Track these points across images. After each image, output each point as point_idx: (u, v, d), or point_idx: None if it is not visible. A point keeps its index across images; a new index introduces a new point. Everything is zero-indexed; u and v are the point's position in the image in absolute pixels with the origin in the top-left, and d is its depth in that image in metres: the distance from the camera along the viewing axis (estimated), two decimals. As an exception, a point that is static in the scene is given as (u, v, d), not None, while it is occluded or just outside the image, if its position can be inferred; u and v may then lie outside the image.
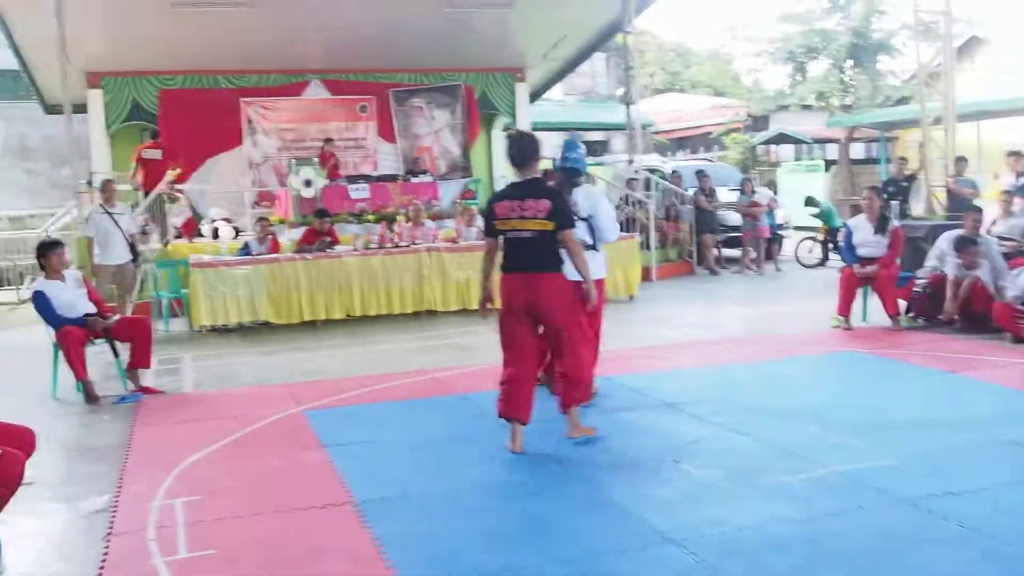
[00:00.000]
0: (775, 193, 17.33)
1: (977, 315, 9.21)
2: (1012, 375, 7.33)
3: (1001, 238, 10.30)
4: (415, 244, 12.20)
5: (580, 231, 6.20)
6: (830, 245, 16.30)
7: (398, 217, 13.59)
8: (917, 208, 16.00)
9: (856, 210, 10.15)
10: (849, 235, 9.98)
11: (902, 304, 9.79)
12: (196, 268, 11.07)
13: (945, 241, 9.60)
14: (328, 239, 12.06)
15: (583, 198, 6.58)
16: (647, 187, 16.64)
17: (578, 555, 4.07)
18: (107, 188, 11.22)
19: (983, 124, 19.75)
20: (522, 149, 5.72)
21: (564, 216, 5.60)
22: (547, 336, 5.81)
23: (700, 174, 17.15)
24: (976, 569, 3.83)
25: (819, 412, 6.28)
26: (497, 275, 5.82)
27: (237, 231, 13.98)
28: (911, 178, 15.34)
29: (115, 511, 4.84)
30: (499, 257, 5.80)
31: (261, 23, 14.76)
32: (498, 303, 5.86)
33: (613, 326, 8.71)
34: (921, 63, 16.61)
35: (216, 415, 6.93)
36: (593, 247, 6.54)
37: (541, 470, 5.26)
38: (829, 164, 29.80)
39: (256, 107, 17.20)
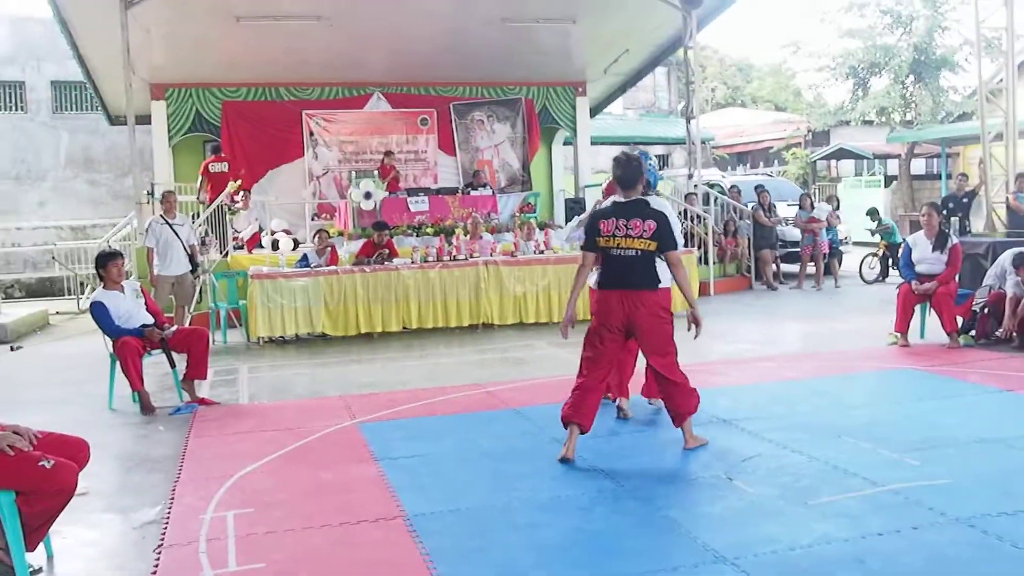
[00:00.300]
0: (837, 208, 17.13)
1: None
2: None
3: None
4: (473, 257, 12.27)
5: None
6: (890, 261, 16.10)
7: (456, 230, 13.69)
8: (977, 225, 15.75)
9: (916, 226, 10.03)
10: (908, 251, 9.86)
11: (960, 321, 9.65)
12: (255, 279, 11.24)
13: (1006, 258, 9.45)
14: (386, 251, 12.17)
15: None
16: (706, 202, 16.57)
17: (629, 572, 4.06)
18: (167, 199, 11.43)
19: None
20: (631, 170, 5.85)
21: (669, 237, 5.78)
22: (641, 350, 5.97)
23: (759, 189, 17.02)
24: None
25: (874, 430, 6.22)
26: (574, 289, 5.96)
27: (296, 243, 14.19)
28: (971, 194, 15.11)
29: (167, 522, 4.91)
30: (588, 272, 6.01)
31: (325, 37, 15.03)
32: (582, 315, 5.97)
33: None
34: (982, 79, 16.35)
35: (270, 427, 7.02)
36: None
37: (593, 486, 5.26)
38: (889, 180, 29.42)
39: (318, 119, 17.48)
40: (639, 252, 5.71)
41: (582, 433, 5.76)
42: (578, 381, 5.82)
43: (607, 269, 5.84)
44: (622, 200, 5.89)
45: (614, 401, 6.99)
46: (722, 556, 4.15)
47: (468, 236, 13.12)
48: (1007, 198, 14.62)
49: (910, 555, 4.13)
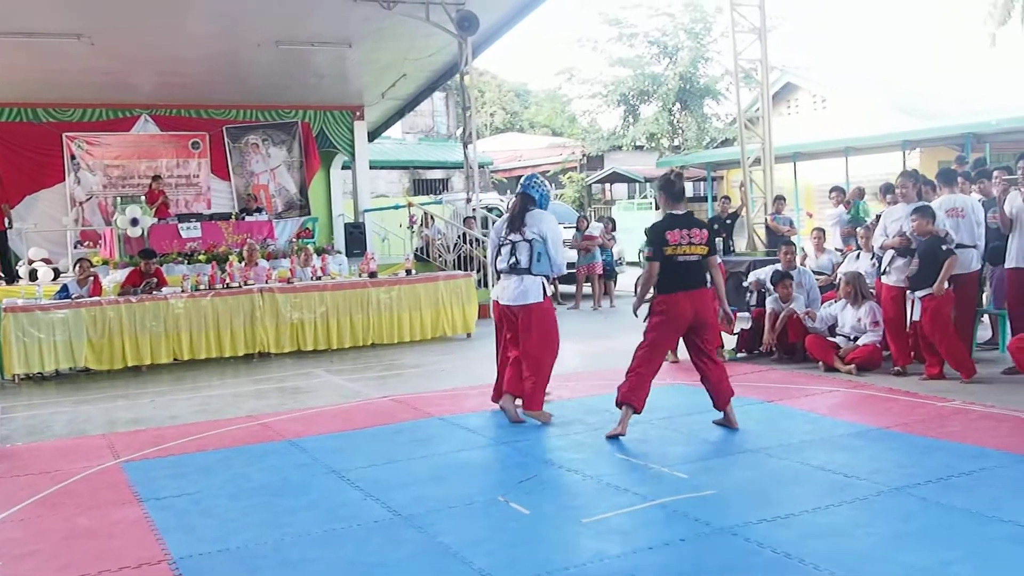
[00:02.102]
0: (613, 228, 17.70)
1: (792, 346, 9.62)
2: (822, 403, 7.68)
3: (816, 272, 10.81)
4: (248, 284, 11.89)
5: (522, 254, 7.07)
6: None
7: (231, 257, 13.27)
8: (740, 244, 16.63)
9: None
10: (676, 271, 10.26)
11: (725, 337, 10.12)
12: (8, 312, 10.46)
13: (763, 275, 10.02)
14: (154, 280, 11.63)
15: (534, 221, 7.18)
16: (485, 225, 16.75)
17: (402, 603, 3.98)
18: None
19: (799, 165, 20.77)
20: (681, 185, 6.79)
21: (715, 245, 6.81)
22: (697, 342, 6.74)
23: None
24: (789, 597, 3.96)
25: (645, 445, 6.42)
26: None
27: (57, 272, 13.38)
28: (734, 216, 15.95)
29: (-100, 581, 4.46)
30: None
31: (86, 56, 14.29)
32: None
33: (450, 364, 8.75)
34: (741, 108, 17.35)
35: (24, 471, 6.52)
36: (528, 271, 7.10)
37: (369, 516, 5.14)
38: (661, 202, 30.66)
39: (80, 142, 16.65)
40: (698, 257, 6.56)
41: (635, 413, 6.60)
42: (639, 369, 6.62)
43: (674, 275, 6.54)
44: (678, 213, 6.65)
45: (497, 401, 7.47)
46: (497, 580, 4.13)
47: (243, 263, 12.73)
48: (766, 219, 15.51)
49: (678, 567, 4.25)
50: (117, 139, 16.99)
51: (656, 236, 6.58)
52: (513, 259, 7.14)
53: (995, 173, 9.45)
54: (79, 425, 8.16)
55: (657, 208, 29.22)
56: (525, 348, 7.17)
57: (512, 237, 7.18)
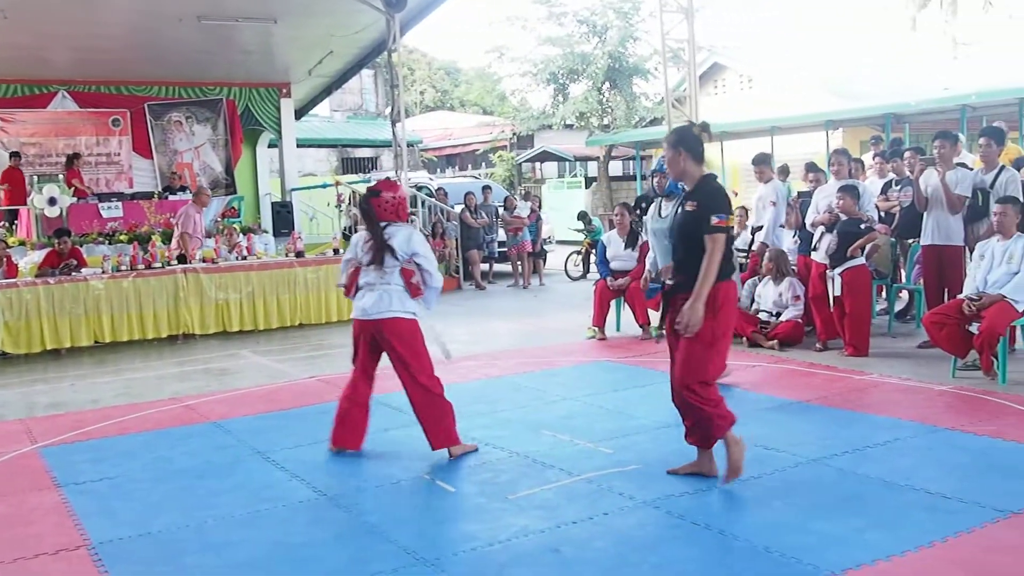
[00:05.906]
0: (539, 207, 17.74)
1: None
2: (744, 377, 7.82)
3: (737, 250, 10.95)
4: (171, 265, 11.68)
5: None
6: (591, 258, 16.87)
7: (153, 236, 13.03)
8: (668, 223, 16.74)
9: (613, 225, 10.58)
10: (603, 249, 10.37)
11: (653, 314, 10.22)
12: (-81, 296, 10.18)
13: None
14: (73, 261, 11.36)
15: None
16: (414, 204, 16.66)
17: (326, 583, 3.96)
18: None
19: (726, 144, 20.98)
20: None
21: None
22: None
23: (467, 195, 17.31)
24: (706, 563, 4.05)
25: (571, 422, 6.47)
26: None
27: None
28: (663, 194, 16.03)
29: None
30: None
31: (1, 29, 13.82)
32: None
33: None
34: (668, 87, 17.48)
35: (-63, 457, 6.36)
36: None
37: (294, 497, 5.11)
38: (590, 181, 30.89)
39: (-7, 119, 16.15)
40: None
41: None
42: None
43: (729, 254, 5.00)
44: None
45: None
46: (421, 558, 4.14)
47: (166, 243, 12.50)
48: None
49: (601, 540, 4.29)
50: (33, 116, 16.54)
51: (727, 201, 4.93)
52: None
53: (906, 154, 9.66)
54: (-5, 410, 7.98)
55: (587, 186, 29.45)
56: None
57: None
